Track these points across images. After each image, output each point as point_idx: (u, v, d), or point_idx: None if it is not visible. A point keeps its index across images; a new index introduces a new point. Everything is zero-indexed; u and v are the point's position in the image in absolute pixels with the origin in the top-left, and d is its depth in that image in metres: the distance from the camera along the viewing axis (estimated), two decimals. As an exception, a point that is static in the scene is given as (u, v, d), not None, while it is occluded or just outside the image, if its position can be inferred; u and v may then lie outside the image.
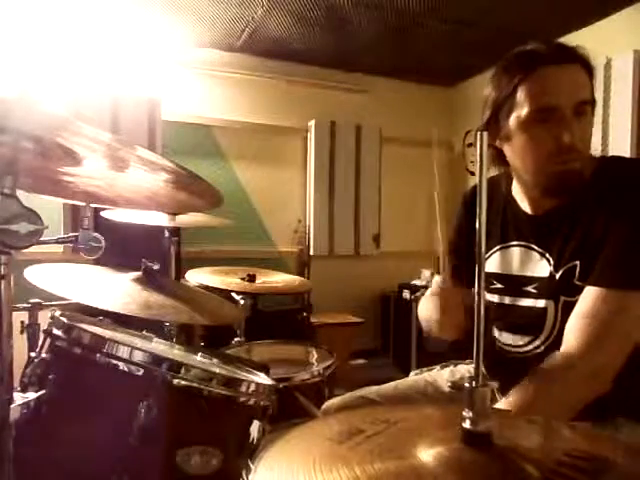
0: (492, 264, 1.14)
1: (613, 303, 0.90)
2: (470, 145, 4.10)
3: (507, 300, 1.11)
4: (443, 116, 4.27)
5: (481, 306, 0.52)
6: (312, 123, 3.77)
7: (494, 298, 1.13)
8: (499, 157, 1.07)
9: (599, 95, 2.76)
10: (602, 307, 0.90)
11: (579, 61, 0.95)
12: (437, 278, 1.08)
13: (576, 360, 0.90)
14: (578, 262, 0.96)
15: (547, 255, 1.03)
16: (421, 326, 1.23)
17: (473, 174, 4.04)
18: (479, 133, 0.55)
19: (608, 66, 2.78)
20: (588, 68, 0.96)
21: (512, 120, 0.99)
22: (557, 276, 0.99)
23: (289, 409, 1.27)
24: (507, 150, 1.04)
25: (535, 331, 1.04)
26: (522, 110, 0.96)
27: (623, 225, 0.92)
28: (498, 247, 1.13)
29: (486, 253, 1.13)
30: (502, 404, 0.90)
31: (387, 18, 3.00)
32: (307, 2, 2.82)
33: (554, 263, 1.01)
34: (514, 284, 1.09)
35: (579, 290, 0.95)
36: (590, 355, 0.89)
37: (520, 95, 0.96)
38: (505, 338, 1.12)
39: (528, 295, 1.06)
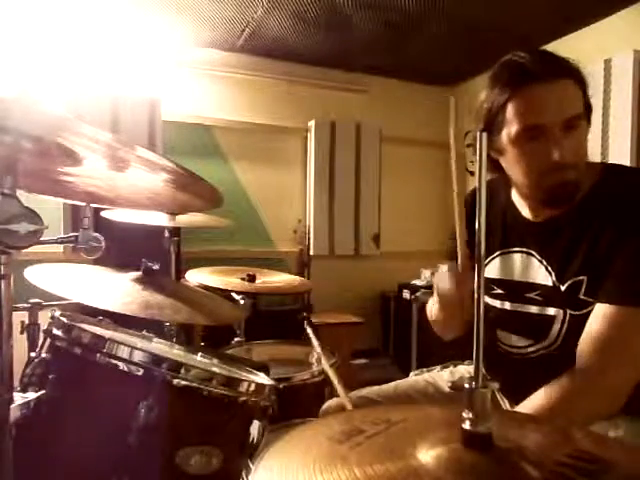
0: (493, 269, 1.13)
1: (627, 321, 0.89)
2: (469, 146, 4.10)
3: (508, 306, 1.10)
4: (443, 116, 4.25)
5: (481, 307, 0.52)
6: (312, 123, 3.77)
7: (495, 303, 1.13)
8: (495, 167, 1.06)
9: (599, 95, 2.77)
10: (616, 325, 0.89)
11: (568, 75, 0.94)
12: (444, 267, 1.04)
13: (592, 380, 0.89)
14: (585, 277, 0.95)
15: (545, 263, 1.03)
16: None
17: (473, 174, 4.04)
18: (478, 133, 0.55)
19: (608, 66, 2.78)
20: (579, 79, 0.95)
21: (504, 135, 0.98)
22: (562, 289, 0.99)
23: (289, 409, 1.27)
24: (502, 162, 1.04)
25: (538, 336, 1.04)
26: (512, 127, 0.96)
27: (632, 240, 0.91)
28: (499, 252, 1.13)
29: (486, 258, 1.13)
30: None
31: (387, 18, 3.00)
32: (307, 2, 2.82)
33: (556, 274, 1.00)
34: (515, 290, 1.09)
35: (585, 304, 0.95)
36: (606, 375, 0.89)
37: (509, 112, 0.96)
38: (507, 339, 1.12)
39: (532, 302, 1.05)
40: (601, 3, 2.83)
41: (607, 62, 2.79)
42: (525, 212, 1.10)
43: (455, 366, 1.34)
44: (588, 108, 0.98)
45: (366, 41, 3.35)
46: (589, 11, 2.91)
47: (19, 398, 0.85)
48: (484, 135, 0.54)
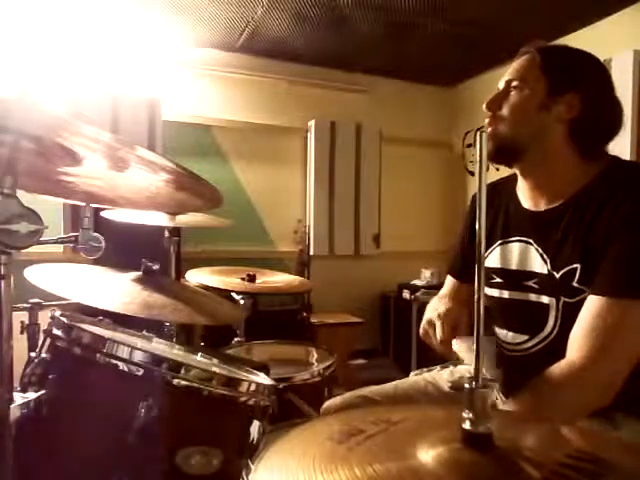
0: (493, 259, 1.15)
1: (617, 313, 0.90)
2: (470, 145, 4.10)
3: (506, 294, 1.12)
4: (443, 116, 4.27)
5: (481, 306, 0.52)
6: (312, 123, 3.77)
7: (494, 293, 1.14)
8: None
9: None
10: (606, 317, 0.90)
11: (531, 51, 1.07)
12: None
13: (582, 371, 0.90)
14: (579, 265, 0.96)
15: (541, 251, 1.04)
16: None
17: (473, 174, 4.04)
18: (479, 133, 0.55)
19: (608, 66, 2.78)
20: (543, 57, 1.05)
21: None
22: (557, 276, 1.00)
23: (289, 409, 1.27)
24: None
25: (535, 328, 1.04)
26: None
27: (625, 232, 0.92)
28: (499, 242, 1.15)
29: (488, 249, 1.15)
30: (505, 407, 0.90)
31: (387, 18, 3.00)
32: (307, 2, 2.82)
33: (551, 262, 1.02)
34: (514, 279, 1.10)
35: (579, 292, 0.96)
36: (596, 366, 0.89)
37: None
38: (504, 336, 1.12)
39: (529, 290, 1.06)
40: (601, 3, 2.83)
41: (607, 62, 2.78)
42: (526, 203, 1.12)
43: (455, 366, 1.34)
44: (553, 78, 1.04)
45: (366, 41, 3.35)
46: (589, 11, 2.92)
47: (19, 398, 0.85)
48: (484, 135, 0.55)
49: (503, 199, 1.18)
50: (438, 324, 1.07)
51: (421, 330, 1.14)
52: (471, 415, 0.49)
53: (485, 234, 0.54)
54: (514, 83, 1.06)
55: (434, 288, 3.60)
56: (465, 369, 1.32)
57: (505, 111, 1.06)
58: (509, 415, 0.79)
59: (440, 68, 3.88)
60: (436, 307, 1.15)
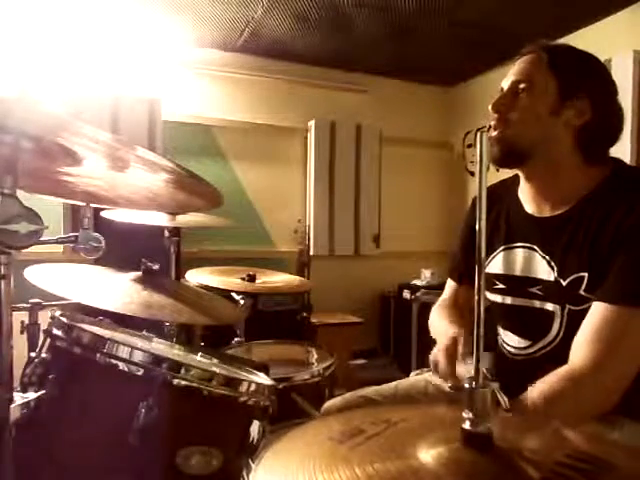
0: (496, 265, 1.14)
1: (622, 320, 0.90)
2: (470, 146, 4.10)
3: (509, 300, 1.11)
4: (443, 116, 4.27)
5: (481, 306, 0.52)
6: (312, 123, 3.77)
7: (496, 298, 1.13)
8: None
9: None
10: (611, 324, 0.90)
11: (537, 51, 1.05)
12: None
13: (585, 377, 0.90)
14: (586, 274, 0.96)
15: (548, 258, 1.03)
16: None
17: (473, 175, 4.04)
18: (479, 133, 0.55)
19: (608, 66, 2.77)
20: (551, 57, 1.03)
21: None
22: (564, 284, 0.99)
23: (289, 409, 1.27)
24: None
25: (539, 334, 1.04)
26: None
27: (632, 241, 0.92)
28: (502, 248, 1.13)
29: (491, 254, 1.14)
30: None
31: (387, 18, 3.00)
32: (307, 2, 2.82)
33: (558, 269, 1.01)
34: (517, 285, 1.09)
35: (585, 300, 0.95)
36: (599, 372, 0.89)
37: None
38: (508, 339, 1.12)
39: (533, 296, 1.06)
40: (601, 3, 2.83)
41: (607, 62, 2.78)
42: (529, 208, 1.11)
43: (455, 366, 1.34)
44: (563, 82, 1.02)
45: (366, 41, 3.35)
46: (589, 11, 2.91)
47: (19, 398, 0.85)
48: (484, 135, 0.54)
49: (504, 202, 1.16)
50: (442, 360, 1.04)
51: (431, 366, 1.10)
52: (471, 415, 0.49)
53: (486, 238, 0.54)
54: (522, 85, 1.03)
55: (434, 288, 3.61)
56: (465, 369, 1.32)
57: (515, 115, 1.02)
58: (509, 415, 0.79)
59: (440, 68, 3.88)
60: (443, 333, 1.09)
